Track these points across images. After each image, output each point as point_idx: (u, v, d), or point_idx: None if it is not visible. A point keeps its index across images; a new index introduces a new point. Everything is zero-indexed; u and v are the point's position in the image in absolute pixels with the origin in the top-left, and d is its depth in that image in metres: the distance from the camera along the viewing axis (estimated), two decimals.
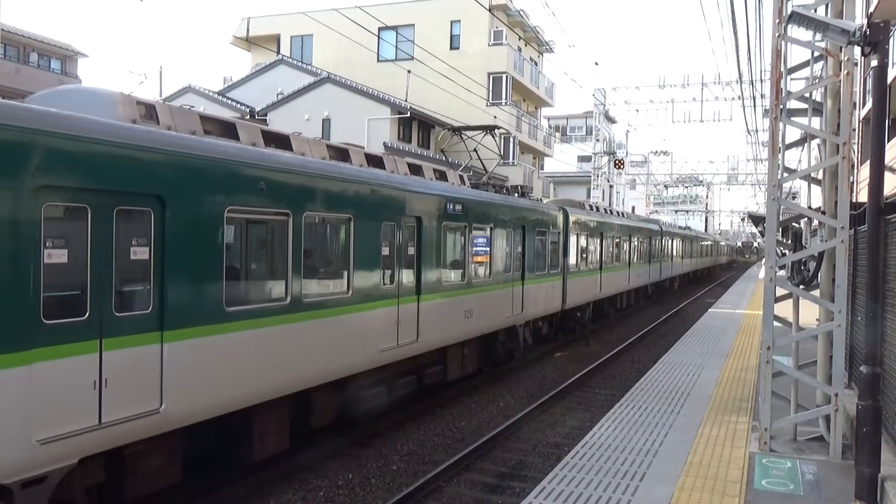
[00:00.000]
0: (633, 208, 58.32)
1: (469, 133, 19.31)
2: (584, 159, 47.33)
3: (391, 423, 11.78)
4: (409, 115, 33.07)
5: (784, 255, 7.71)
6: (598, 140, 45.71)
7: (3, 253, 5.57)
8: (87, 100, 7.34)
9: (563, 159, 50.08)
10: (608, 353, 19.54)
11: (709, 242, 61.74)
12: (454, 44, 37.59)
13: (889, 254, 6.83)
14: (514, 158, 37.80)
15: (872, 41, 5.75)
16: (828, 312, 7.27)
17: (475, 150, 18.34)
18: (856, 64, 6.14)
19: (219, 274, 7.59)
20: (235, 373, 7.87)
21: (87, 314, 6.20)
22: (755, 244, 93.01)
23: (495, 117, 34.70)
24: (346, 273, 9.97)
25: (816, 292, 7.87)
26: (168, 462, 7.45)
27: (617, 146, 53.59)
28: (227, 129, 8.56)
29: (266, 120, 34.41)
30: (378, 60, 36.38)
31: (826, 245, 7.29)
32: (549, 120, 59.46)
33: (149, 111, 7.60)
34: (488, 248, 14.69)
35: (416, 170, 12.68)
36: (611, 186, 47.38)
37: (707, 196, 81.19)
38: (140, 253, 6.74)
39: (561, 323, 20.50)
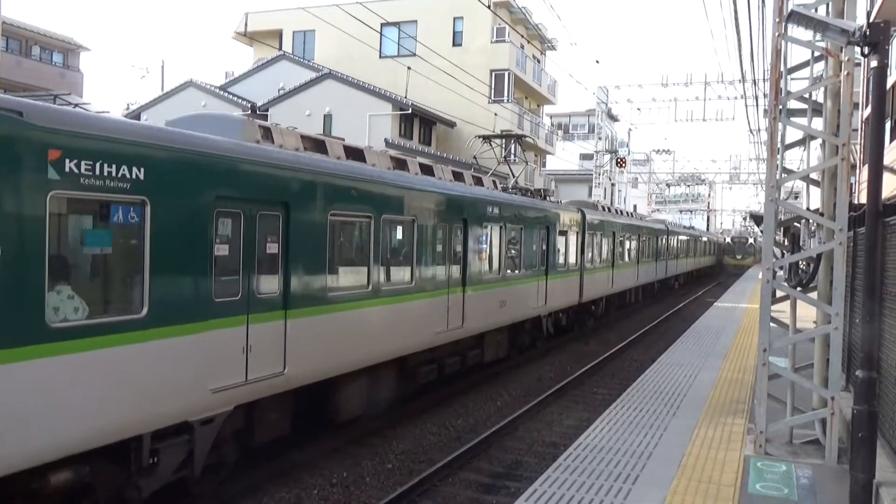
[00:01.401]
0: (635, 207, 58.19)
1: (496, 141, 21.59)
2: (586, 157, 47.20)
3: (387, 422, 11.73)
4: (410, 111, 32.99)
5: (783, 255, 7.64)
6: (600, 138, 45.59)
7: (193, 248, 7.37)
8: (219, 124, 9.05)
9: (565, 157, 49.94)
10: (607, 352, 19.51)
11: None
12: (457, 40, 37.47)
13: (887, 257, 6.76)
14: (515, 156, 37.69)
15: (872, 41, 5.68)
16: (825, 315, 7.19)
17: (505, 157, 20.72)
18: (858, 65, 6.07)
19: (324, 265, 9.41)
20: (332, 346, 9.64)
21: (239, 295, 7.92)
22: (751, 240, 66.04)
23: (496, 114, 34.62)
24: (410, 266, 11.68)
25: (815, 294, 7.79)
26: (281, 417, 9.18)
27: (619, 144, 53.48)
28: (318, 145, 10.23)
29: (267, 115, 34.39)
30: (380, 57, 36.28)
31: (824, 247, 7.21)
32: (551, 118, 59.34)
33: (265, 132, 9.27)
34: (519, 246, 16.44)
35: (458, 176, 14.57)
36: (613, 185, 47.28)
37: (709, 195, 79.79)
38: (272, 248, 8.52)
39: (577, 315, 22.11)
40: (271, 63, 37.21)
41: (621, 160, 45.33)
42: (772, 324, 7.34)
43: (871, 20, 10.28)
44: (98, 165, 6.32)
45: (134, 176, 6.63)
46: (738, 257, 66.94)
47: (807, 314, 8.49)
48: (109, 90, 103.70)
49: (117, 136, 6.63)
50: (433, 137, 36.78)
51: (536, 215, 17.71)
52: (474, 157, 22.01)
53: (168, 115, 38.43)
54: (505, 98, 36.87)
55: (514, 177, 20.11)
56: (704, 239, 57.35)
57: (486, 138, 20.71)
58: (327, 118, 33.17)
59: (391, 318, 11.12)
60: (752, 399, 9.07)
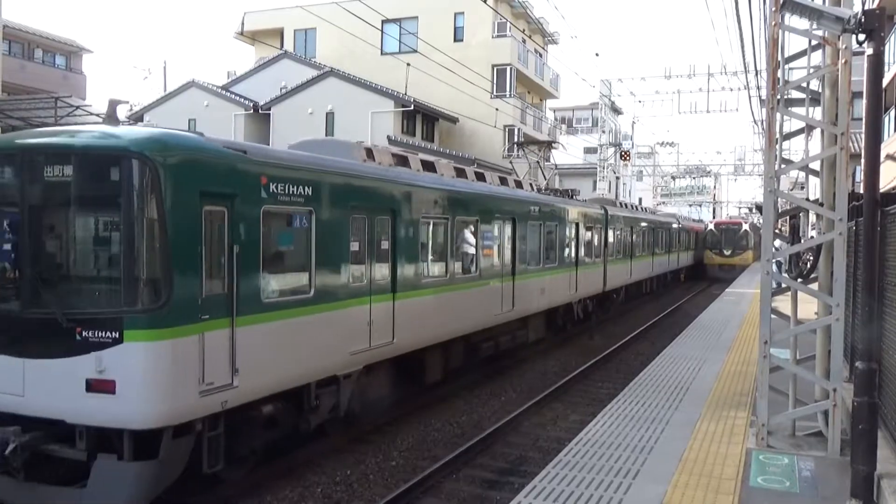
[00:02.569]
0: (640, 199, 57.97)
1: (527, 147, 25.11)
2: (590, 151, 47.03)
3: (390, 419, 11.73)
4: (412, 108, 32.93)
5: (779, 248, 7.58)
6: (604, 131, 45.44)
7: (339, 245, 9.69)
8: (335, 147, 11.48)
9: (568, 151, 49.76)
10: (612, 346, 19.48)
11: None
12: (458, 36, 37.36)
13: (888, 247, 6.70)
14: (518, 151, 37.62)
15: (867, 28, 5.62)
16: (826, 306, 7.13)
17: (538, 161, 24.18)
18: (860, 54, 5.99)
19: (417, 258, 11.78)
20: (423, 322, 11.91)
21: (364, 281, 10.23)
22: (745, 226, 46.60)
23: (497, 109, 34.53)
24: (475, 259, 13.95)
25: (816, 286, 7.73)
26: (384, 381, 11.34)
27: (623, 137, 53.31)
28: (402, 160, 12.52)
29: (269, 114, 34.38)
30: (381, 54, 36.23)
31: (824, 237, 7.15)
32: (554, 111, 59.14)
33: (368, 153, 11.62)
34: (555, 241, 18.81)
35: (503, 181, 16.96)
36: (617, 178, 47.11)
37: (715, 187, 77.95)
38: (384, 244, 10.78)
39: (600, 302, 24.10)
40: (273, 62, 37.22)
41: (625, 153, 45.16)
42: (773, 315, 7.29)
43: (865, 7, 10.20)
44: (286, 186, 8.65)
45: (305, 193, 8.98)
46: (726, 252, 44.81)
47: (810, 306, 8.44)
48: (112, 92, 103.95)
49: (296, 166, 9.09)
50: (436, 133, 36.72)
51: (568, 213, 20.10)
52: (510, 164, 25.22)
53: (172, 115, 38.25)
54: (507, 93, 36.77)
55: (546, 179, 23.23)
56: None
57: (521, 145, 24.29)
58: (329, 116, 33.16)
59: (462, 301, 13.46)
60: (754, 391, 9.02)
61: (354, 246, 10.04)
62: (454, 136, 37.58)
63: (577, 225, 20.79)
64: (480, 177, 15.51)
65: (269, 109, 34.44)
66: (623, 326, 23.87)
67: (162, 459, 7.19)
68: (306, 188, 8.96)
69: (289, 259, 9.17)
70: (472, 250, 13.85)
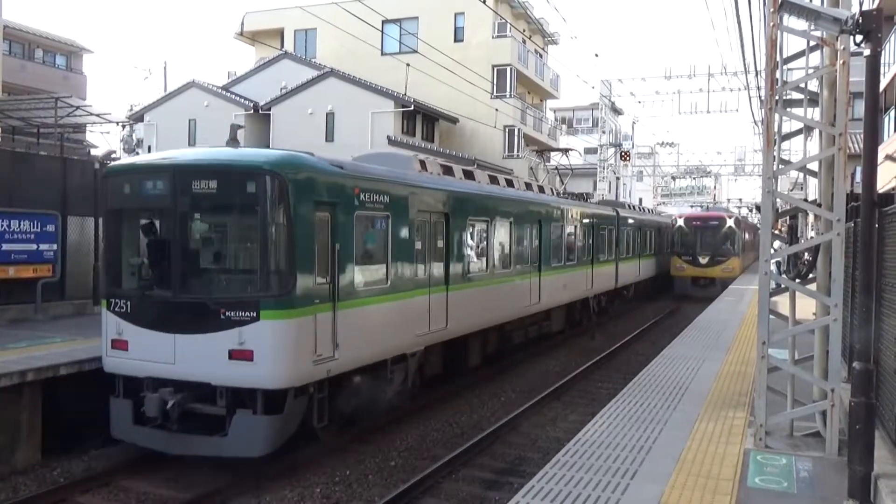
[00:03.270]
0: (641, 200, 57.95)
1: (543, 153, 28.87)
2: (590, 151, 47.05)
3: (391, 419, 11.74)
4: (412, 108, 32.94)
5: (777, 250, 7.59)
6: (604, 132, 45.44)
7: (408, 244, 11.53)
8: (395, 159, 13.46)
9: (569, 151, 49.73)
10: (612, 346, 19.50)
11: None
12: (458, 36, 37.35)
13: (886, 247, 6.71)
14: (519, 151, 37.63)
15: (865, 29, 5.63)
16: (825, 306, 7.14)
17: (556, 168, 26.31)
18: (858, 54, 6.00)
19: (465, 255, 13.59)
20: (469, 311, 13.66)
21: (425, 275, 12.10)
22: (730, 223, 33.27)
23: (497, 110, 34.53)
24: (510, 256, 15.84)
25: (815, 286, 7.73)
26: (437, 361, 13.24)
27: (623, 138, 53.31)
28: (447, 170, 14.34)
29: (270, 114, 34.39)
30: (382, 54, 36.25)
31: (822, 238, 7.16)
32: (554, 112, 59.13)
33: (422, 164, 13.43)
34: (574, 240, 20.72)
35: (528, 186, 19.17)
36: (617, 178, 47.12)
37: (715, 187, 77.61)
38: (440, 244, 12.69)
39: (612, 298, 25.69)
40: (273, 62, 37.22)
41: (625, 154, 45.16)
42: (771, 316, 7.29)
43: (863, 8, 10.20)
44: (371, 195, 10.51)
45: (384, 200, 10.85)
46: (702, 260, 32.23)
47: (808, 307, 8.45)
48: (113, 92, 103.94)
49: (377, 178, 10.91)
50: (436, 134, 36.73)
51: (585, 215, 22.08)
52: (530, 171, 27.86)
53: (172, 115, 38.31)
54: (507, 93, 36.77)
55: (563, 183, 25.12)
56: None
57: (540, 152, 26.95)
58: (329, 116, 33.18)
59: (499, 294, 15.22)
60: (753, 392, 9.03)
61: (418, 245, 11.92)
62: (454, 137, 37.59)
63: (592, 226, 22.62)
64: (510, 183, 17.70)
65: (270, 110, 34.45)
66: (624, 326, 23.88)
67: (286, 414, 9.04)
68: (385, 196, 10.89)
69: (372, 255, 10.96)
70: (507, 249, 15.73)
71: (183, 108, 35.85)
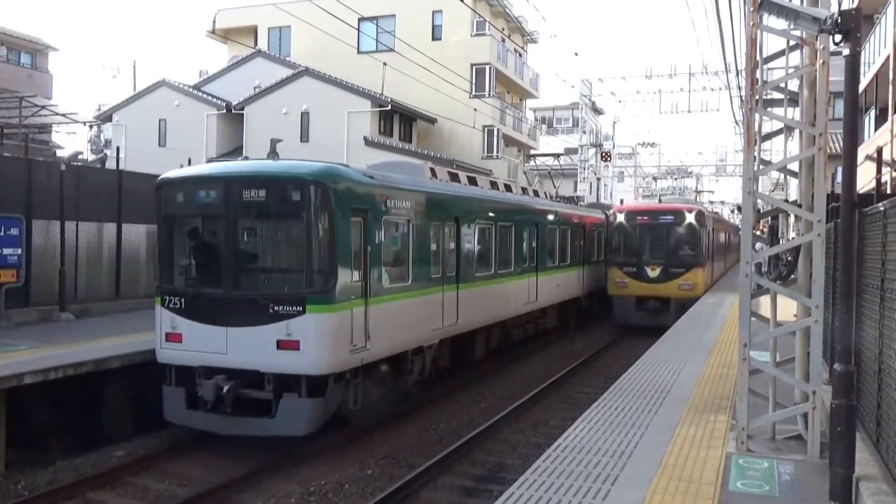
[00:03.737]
0: (622, 201, 58.37)
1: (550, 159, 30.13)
2: (570, 151, 47.30)
3: (367, 427, 11.70)
4: (389, 108, 32.89)
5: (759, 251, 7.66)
6: (584, 132, 45.70)
7: (425, 245, 12.94)
8: (408, 167, 14.77)
9: (549, 152, 49.99)
10: (593, 350, 19.60)
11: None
12: (436, 34, 37.36)
13: (866, 248, 6.80)
14: (498, 152, 37.71)
15: (844, 29, 5.71)
16: (806, 308, 7.22)
17: (549, 172, 28.46)
18: (839, 53, 6.07)
19: (473, 256, 14.91)
20: (476, 308, 14.91)
21: (439, 274, 13.39)
22: (690, 219, 23.52)
23: (475, 110, 34.59)
24: (511, 257, 17.16)
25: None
26: (447, 354, 14.28)
27: (604, 138, 53.62)
28: (454, 177, 15.50)
29: (243, 114, 34.19)
30: (358, 52, 36.19)
31: (803, 239, 7.24)
32: (534, 111, 59.34)
33: (433, 172, 14.52)
34: (567, 242, 21.84)
35: (524, 190, 20.63)
36: (598, 179, 47.38)
37: (696, 188, 78.11)
38: (451, 245, 13.90)
39: (601, 298, 25.64)
40: (246, 61, 37.02)
41: (606, 154, 45.43)
42: (753, 318, 7.36)
43: (842, 8, 10.35)
44: (396, 202, 11.78)
45: (406, 206, 12.15)
46: (651, 272, 23.47)
47: (791, 307, 8.54)
48: (80, 91, 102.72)
49: (401, 187, 12.17)
50: (414, 134, 36.71)
51: (577, 217, 23.46)
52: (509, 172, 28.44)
53: (141, 115, 37.90)
54: (486, 92, 36.83)
55: (556, 186, 26.48)
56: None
57: (532, 157, 28.55)
58: (304, 116, 33.05)
59: (502, 292, 16.56)
60: (735, 395, 9.10)
61: (433, 246, 13.22)
62: (432, 137, 37.60)
63: (583, 228, 23.76)
64: (508, 188, 19.08)
65: (243, 109, 34.26)
66: (603, 330, 23.97)
67: (327, 397, 10.24)
68: (407, 203, 12.18)
69: (397, 256, 12.16)
70: (508, 250, 17.00)
71: (153, 108, 35.53)
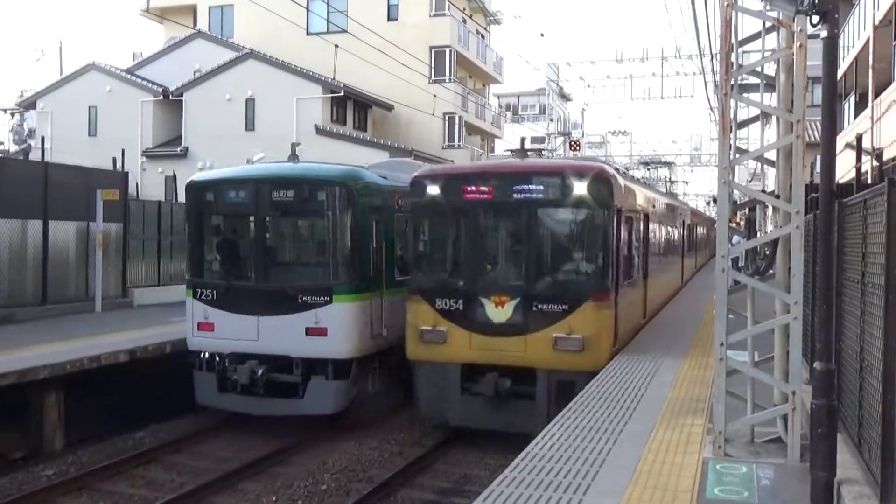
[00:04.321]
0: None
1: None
2: (537, 140, 47.60)
3: (322, 438, 11.66)
4: (342, 94, 32.72)
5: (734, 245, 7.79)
6: (551, 119, 46.03)
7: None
8: (405, 166, 16.30)
9: (514, 141, 50.22)
10: None
11: None
12: (392, 14, 37.20)
13: (846, 240, 6.94)
14: (460, 141, 37.76)
15: (821, 10, 5.83)
16: (784, 304, 7.35)
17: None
18: (817, 36, 6.19)
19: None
20: None
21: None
22: (582, 185, 11.11)
23: (435, 96, 34.58)
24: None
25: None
26: None
27: (572, 126, 54.06)
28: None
29: (182, 100, 33.73)
30: (308, 34, 35.91)
31: (781, 231, 7.36)
32: (498, 98, 59.57)
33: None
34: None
35: None
36: None
37: (669, 178, 78.57)
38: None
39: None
40: (185, 42, 36.48)
41: (575, 143, 45.75)
42: (730, 315, 7.47)
43: None
44: (405, 201, 12.87)
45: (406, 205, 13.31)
46: (495, 312, 11.52)
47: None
48: None
49: (408, 187, 12.74)
50: (369, 122, 36.58)
51: None
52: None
53: (69, 102, 37.06)
54: (446, 77, 36.82)
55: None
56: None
57: (514, 151, 28.70)
58: (250, 103, 32.74)
59: None
60: (711, 397, 9.25)
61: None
62: (389, 125, 37.50)
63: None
64: None
65: (182, 95, 33.78)
66: None
67: (352, 380, 12.10)
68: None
69: (404, 251, 13.56)
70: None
71: (82, 94, 34.84)
